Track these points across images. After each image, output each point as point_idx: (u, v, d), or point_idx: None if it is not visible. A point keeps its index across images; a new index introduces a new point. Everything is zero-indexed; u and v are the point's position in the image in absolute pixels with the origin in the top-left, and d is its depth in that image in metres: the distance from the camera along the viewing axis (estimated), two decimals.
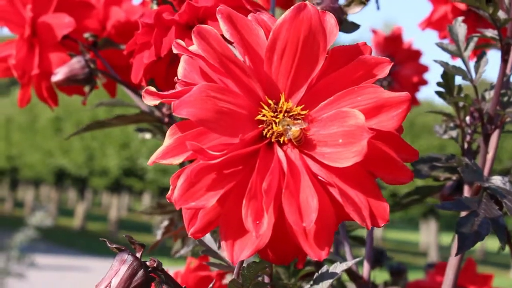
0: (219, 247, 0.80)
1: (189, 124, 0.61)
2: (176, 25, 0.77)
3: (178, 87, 0.63)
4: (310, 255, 0.57)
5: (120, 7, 1.15)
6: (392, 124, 0.59)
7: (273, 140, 0.59)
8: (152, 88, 0.61)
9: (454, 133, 0.95)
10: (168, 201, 0.61)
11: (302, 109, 0.60)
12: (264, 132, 0.60)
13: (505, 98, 0.87)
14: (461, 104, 0.91)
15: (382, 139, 0.58)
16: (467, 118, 0.93)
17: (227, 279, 1.21)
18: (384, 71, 0.61)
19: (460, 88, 0.89)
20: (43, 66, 1.01)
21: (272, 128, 0.59)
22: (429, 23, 1.33)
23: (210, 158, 0.56)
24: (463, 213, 0.87)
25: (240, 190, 0.58)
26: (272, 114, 0.60)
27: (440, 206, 0.76)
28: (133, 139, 14.07)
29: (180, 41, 0.61)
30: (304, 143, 0.59)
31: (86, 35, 1.05)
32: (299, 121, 0.59)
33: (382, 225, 0.59)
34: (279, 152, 0.58)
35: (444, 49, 0.89)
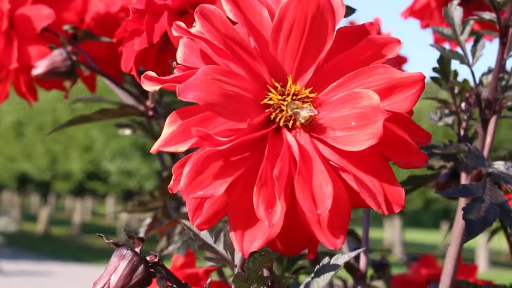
0: (215, 240, 0.77)
1: (191, 110, 0.58)
2: (168, 11, 0.74)
3: (177, 73, 0.60)
4: (325, 243, 0.54)
5: None
6: (406, 105, 0.56)
7: (281, 124, 0.57)
8: (152, 73, 0.58)
9: (449, 120, 0.93)
10: (170, 191, 0.58)
11: (310, 92, 0.57)
12: (272, 116, 0.57)
13: (503, 82, 0.85)
14: (456, 90, 0.89)
15: (394, 121, 0.55)
16: (463, 104, 0.91)
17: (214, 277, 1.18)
18: (393, 51, 0.58)
19: (456, 73, 0.87)
20: (22, 60, 0.97)
21: (280, 112, 0.57)
22: (412, 12, 1.31)
23: (217, 144, 0.53)
24: (463, 200, 0.85)
25: (249, 177, 0.55)
26: (279, 97, 0.57)
27: (445, 193, 0.74)
28: (96, 142, 13.96)
29: (180, 23, 0.58)
30: (313, 127, 0.57)
31: (66, 27, 1.01)
32: (308, 104, 0.56)
33: (398, 211, 0.56)
34: (289, 137, 0.56)
35: (440, 33, 0.87)
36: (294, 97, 0.57)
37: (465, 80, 0.84)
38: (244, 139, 0.54)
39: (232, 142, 0.53)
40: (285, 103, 0.57)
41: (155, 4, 0.73)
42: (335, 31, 0.58)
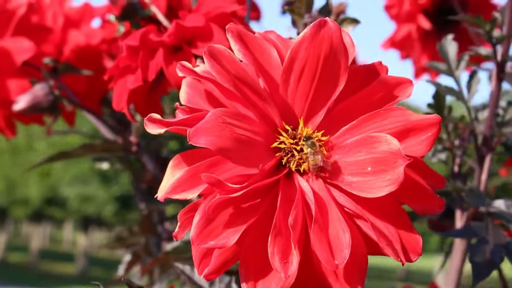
0: (211, 284, 0.74)
1: (197, 154, 0.55)
2: (164, 47, 0.71)
3: (180, 114, 0.57)
4: None
5: (79, 31, 1.09)
6: (422, 149, 0.54)
7: (293, 169, 0.54)
8: (157, 115, 0.55)
9: (443, 156, 0.92)
10: (174, 239, 0.56)
11: (322, 135, 0.55)
12: (284, 161, 0.54)
13: (499, 119, 0.84)
14: (450, 126, 0.87)
15: (409, 165, 0.53)
16: (456, 140, 0.89)
17: None
18: (406, 92, 0.56)
19: (450, 108, 0.86)
20: (1, 94, 0.94)
21: (291, 156, 0.54)
22: (392, 43, 1.30)
23: (229, 191, 0.50)
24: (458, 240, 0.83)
25: (261, 225, 0.53)
26: (291, 140, 0.54)
27: (448, 233, 0.72)
28: (55, 168, 13.79)
29: (185, 63, 0.55)
30: (326, 172, 0.54)
31: (46, 60, 0.98)
32: (322, 148, 0.54)
33: (415, 259, 0.54)
34: (302, 183, 0.53)
35: (435, 68, 0.85)
36: (306, 140, 0.54)
37: (463, 117, 0.83)
38: (257, 185, 0.51)
39: (245, 189, 0.50)
40: (297, 147, 0.54)
41: (150, 40, 0.71)
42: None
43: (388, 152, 0.51)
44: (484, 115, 0.85)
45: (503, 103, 0.89)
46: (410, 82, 0.57)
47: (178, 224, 0.55)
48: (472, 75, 0.85)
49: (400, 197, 0.54)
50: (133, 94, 0.73)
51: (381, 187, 0.51)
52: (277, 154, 0.54)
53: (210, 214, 0.50)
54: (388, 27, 1.44)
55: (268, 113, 0.54)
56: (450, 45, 0.85)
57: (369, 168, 0.52)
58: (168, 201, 1.01)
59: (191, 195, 0.53)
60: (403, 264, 0.53)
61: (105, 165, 1.23)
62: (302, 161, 0.54)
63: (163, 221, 1.16)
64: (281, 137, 0.55)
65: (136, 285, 0.59)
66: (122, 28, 0.86)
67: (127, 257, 1.15)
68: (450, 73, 0.84)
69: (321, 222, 0.51)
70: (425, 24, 1.28)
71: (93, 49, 1.07)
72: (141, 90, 0.74)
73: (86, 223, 14.65)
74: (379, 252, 0.54)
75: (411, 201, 0.55)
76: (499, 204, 0.76)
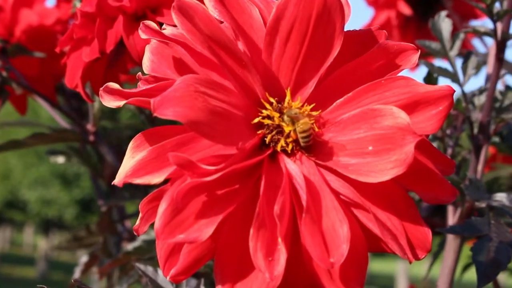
0: (177, 287, 0.65)
1: (163, 131, 0.46)
2: (124, 15, 0.61)
3: (142, 86, 0.48)
4: None
5: (32, 10, 0.99)
6: (431, 125, 0.45)
7: (278, 149, 0.45)
8: (114, 85, 0.46)
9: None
10: (136, 233, 0.46)
11: (313, 109, 0.46)
12: (267, 140, 0.45)
13: (497, 104, 0.75)
14: None
15: (416, 146, 0.44)
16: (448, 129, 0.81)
17: None
18: (410, 60, 0.48)
19: None
20: None
21: (277, 133, 0.45)
22: None
23: (202, 174, 0.41)
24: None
25: (241, 216, 0.44)
26: (276, 115, 0.45)
27: (448, 230, 0.64)
28: (14, 170, 13.55)
29: (150, 22, 0.46)
30: (317, 153, 0.46)
31: None
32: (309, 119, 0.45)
33: (423, 257, 0.45)
34: (289, 165, 0.44)
35: (427, 48, 0.77)
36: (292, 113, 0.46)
37: (458, 101, 0.74)
38: (235, 167, 0.42)
39: (221, 171, 0.41)
40: (283, 122, 0.45)
41: (108, 6, 0.61)
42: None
43: (395, 128, 0.43)
44: (481, 100, 0.77)
45: (499, 86, 0.81)
46: (414, 49, 0.48)
47: (140, 215, 0.45)
48: (468, 56, 0.77)
49: (406, 183, 0.46)
50: (89, 69, 0.63)
51: (384, 169, 0.43)
52: (260, 131, 0.46)
53: (179, 201, 0.41)
54: (366, 13, 1.35)
55: (249, 82, 0.46)
56: (444, 22, 0.77)
57: (370, 148, 0.44)
58: (129, 196, 0.91)
59: (156, 179, 0.43)
60: (410, 262, 0.44)
61: (60, 159, 1.13)
62: (289, 139, 0.45)
63: (124, 219, 1.06)
64: (264, 111, 0.46)
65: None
66: (78, 3, 0.76)
67: (84, 258, 1.05)
68: (443, 53, 0.76)
69: (313, 212, 0.42)
70: (406, 10, 1.20)
71: (47, 30, 0.97)
72: (98, 65, 0.64)
73: (47, 226, 14.42)
74: (380, 248, 0.45)
75: (418, 188, 0.46)
76: (501, 197, 0.68)
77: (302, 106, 0.46)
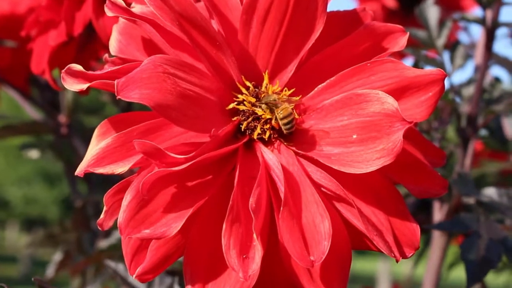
0: (148, 285, 0.61)
1: (130, 118, 0.43)
2: None
3: (107, 68, 0.44)
4: None
5: None
6: (421, 113, 0.42)
7: (254, 137, 0.41)
8: (77, 66, 0.42)
9: None
10: (100, 228, 0.42)
11: (292, 94, 0.43)
12: (243, 127, 0.42)
13: (486, 95, 0.72)
14: None
15: (404, 135, 0.40)
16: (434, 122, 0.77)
17: None
18: (398, 43, 0.45)
19: None
20: None
21: (253, 120, 0.42)
22: None
23: (171, 163, 0.38)
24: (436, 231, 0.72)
25: (213, 209, 0.41)
26: (252, 100, 0.42)
27: (435, 226, 0.60)
28: None
29: None
30: (297, 142, 0.42)
31: None
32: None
33: (410, 255, 0.42)
34: (266, 154, 0.41)
35: (413, 36, 0.73)
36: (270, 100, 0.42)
37: (445, 92, 0.71)
38: (206, 156, 0.39)
39: (192, 160, 0.38)
40: (260, 109, 0.42)
41: None
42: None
43: (381, 114, 0.39)
44: (469, 91, 0.73)
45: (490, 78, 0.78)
46: (402, 30, 0.45)
47: (105, 208, 0.42)
48: (455, 46, 0.73)
49: (393, 175, 0.42)
50: (57, 55, 0.59)
51: (370, 160, 0.39)
52: (235, 118, 0.42)
53: (145, 193, 0.37)
54: (350, 6, 1.32)
55: (223, 64, 0.42)
56: (431, 9, 0.73)
57: (354, 136, 0.40)
58: (105, 190, 0.87)
59: (120, 168, 0.40)
60: (397, 261, 0.41)
61: (34, 153, 1.09)
62: (267, 126, 0.42)
63: (99, 214, 1.02)
64: (240, 95, 0.42)
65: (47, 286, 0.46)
66: None
67: (58, 256, 1.01)
68: (430, 41, 0.73)
69: (292, 206, 0.39)
70: (390, 2, 1.17)
71: (19, 18, 0.92)
72: (67, 51, 0.60)
73: (30, 225, 14.33)
74: (365, 245, 0.42)
75: (406, 180, 0.43)
76: (491, 192, 0.65)
77: (281, 91, 0.43)
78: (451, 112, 0.75)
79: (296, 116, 0.42)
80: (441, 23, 0.73)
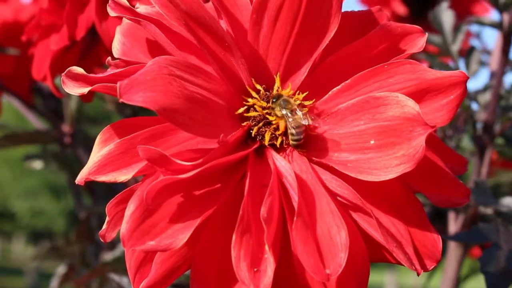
0: None
1: (134, 123, 0.40)
2: None
3: (110, 71, 0.42)
4: None
5: (6, 4, 0.93)
6: (442, 117, 0.40)
7: (266, 143, 0.39)
8: (78, 69, 0.40)
9: None
10: (102, 239, 0.40)
11: (305, 98, 0.40)
12: (253, 132, 0.39)
13: (502, 102, 0.70)
14: None
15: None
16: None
17: None
18: (416, 44, 0.42)
19: None
20: None
21: (264, 125, 0.39)
22: None
23: (177, 171, 0.35)
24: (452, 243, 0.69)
25: (222, 219, 0.38)
26: (263, 104, 0.39)
27: (453, 237, 0.58)
28: (4, 181, 13.45)
29: None
30: (311, 148, 0.40)
31: None
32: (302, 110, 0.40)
33: (432, 267, 0.39)
34: (278, 161, 0.38)
35: (428, 41, 0.71)
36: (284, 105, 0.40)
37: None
38: (215, 163, 0.36)
39: (199, 167, 0.35)
40: (272, 115, 0.39)
41: None
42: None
43: (401, 118, 0.37)
44: (485, 98, 0.71)
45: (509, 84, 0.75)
46: (420, 31, 0.42)
47: (107, 219, 0.39)
48: (471, 51, 0.71)
49: (413, 182, 0.40)
50: (59, 60, 0.57)
51: (389, 166, 0.37)
52: (245, 123, 0.40)
53: (150, 202, 0.35)
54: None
55: (233, 67, 0.40)
56: (446, 14, 0.71)
57: (372, 141, 0.38)
58: (109, 201, 0.85)
59: (123, 176, 0.37)
60: (418, 274, 0.38)
61: (38, 164, 1.07)
62: (279, 132, 0.39)
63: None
64: (250, 99, 0.40)
65: None
66: None
67: (62, 269, 0.98)
68: (445, 46, 0.70)
69: (306, 216, 0.36)
70: (400, 9, 1.15)
71: (22, 25, 0.91)
72: (69, 56, 0.58)
73: (36, 237, 14.33)
74: (383, 257, 0.40)
75: (427, 188, 0.40)
76: (509, 202, 0.62)
77: (294, 94, 0.40)
78: (467, 119, 0.73)
79: (310, 122, 0.40)
80: (456, 28, 0.70)
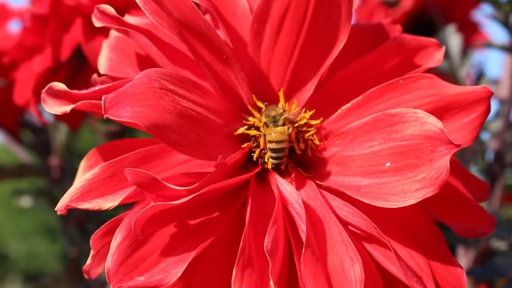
0: None
1: (121, 146, 0.36)
2: (83, 17, 0.51)
3: (95, 88, 0.38)
4: None
5: None
6: (464, 137, 0.36)
7: (269, 166, 0.35)
8: (60, 85, 0.36)
9: None
10: (86, 276, 0.36)
11: (312, 116, 0.36)
12: (255, 155, 0.35)
13: None
14: None
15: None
16: None
17: None
18: (432, 59, 0.39)
19: None
20: None
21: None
22: None
23: (170, 197, 0.31)
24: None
25: (220, 252, 0.34)
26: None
27: (469, 273, 0.53)
28: None
29: (106, 6, 0.36)
30: (319, 172, 0.36)
31: None
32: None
33: None
34: (283, 186, 0.34)
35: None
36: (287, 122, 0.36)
37: None
38: (212, 188, 0.32)
39: (194, 192, 0.31)
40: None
41: (63, 6, 0.51)
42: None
43: (422, 137, 0.33)
44: (496, 125, 0.67)
45: None
46: (437, 45, 0.39)
47: (92, 252, 0.35)
48: (479, 76, 0.67)
49: (432, 209, 0.35)
50: (44, 84, 0.53)
51: (408, 191, 0.33)
52: (245, 145, 0.35)
53: (139, 233, 0.31)
54: None
55: (231, 82, 0.36)
56: (453, 37, 0.67)
57: (388, 164, 0.34)
58: None
59: (110, 203, 0.33)
60: None
61: (27, 201, 1.02)
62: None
63: None
64: (250, 118, 0.36)
65: None
66: None
67: None
68: (452, 71, 0.67)
69: (315, 247, 0.32)
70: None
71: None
72: (54, 79, 0.54)
73: (31, 279, 14.21)
74: None
75: (448, 216, 0.36)
76: None
77: (299, 112, 0.36)
78: (475, 149, 0.69)
79: (316, 143, 0.36)
80: (464, 52, 0.67)
